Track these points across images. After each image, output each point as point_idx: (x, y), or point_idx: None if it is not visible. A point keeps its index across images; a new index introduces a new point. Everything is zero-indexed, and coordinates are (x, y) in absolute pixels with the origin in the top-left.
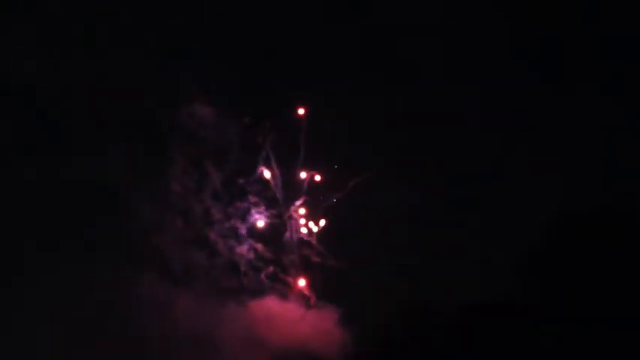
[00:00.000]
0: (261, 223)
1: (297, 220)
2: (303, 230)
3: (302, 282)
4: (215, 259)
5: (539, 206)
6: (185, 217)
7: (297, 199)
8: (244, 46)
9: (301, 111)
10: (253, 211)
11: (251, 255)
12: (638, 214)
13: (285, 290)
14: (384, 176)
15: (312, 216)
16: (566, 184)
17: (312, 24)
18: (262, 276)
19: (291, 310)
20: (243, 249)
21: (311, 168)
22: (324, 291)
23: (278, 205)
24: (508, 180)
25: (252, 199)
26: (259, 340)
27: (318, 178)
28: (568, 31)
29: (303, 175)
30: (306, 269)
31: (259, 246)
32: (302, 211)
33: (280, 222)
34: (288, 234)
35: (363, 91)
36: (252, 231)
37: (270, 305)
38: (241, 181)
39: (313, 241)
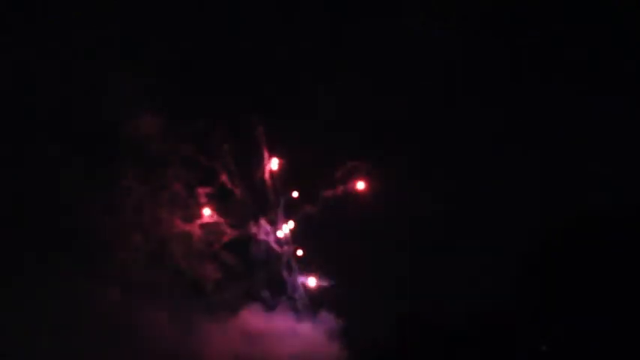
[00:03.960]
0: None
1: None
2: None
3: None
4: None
5: (537, 214)
6: (144, 231)
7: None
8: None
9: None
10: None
11: (218, 273)
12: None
13: (269, 302)
14: (380, 183)
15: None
16: (564, 191)
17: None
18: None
19: (277, 324)
20: (209, 266)
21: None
22: (318, 302)
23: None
24: (506, 187)
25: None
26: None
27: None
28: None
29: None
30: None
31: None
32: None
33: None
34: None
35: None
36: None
37: (254, 319)
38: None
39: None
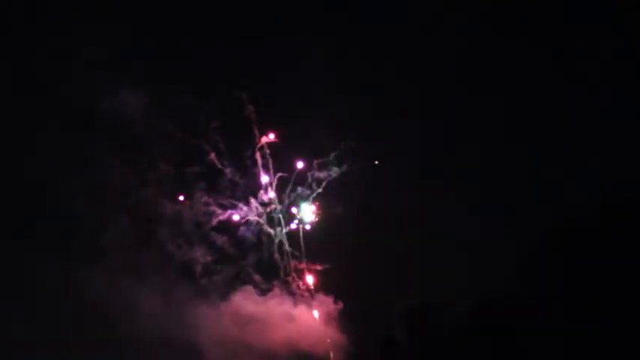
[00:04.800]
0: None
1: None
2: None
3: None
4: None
5: (541, 207)
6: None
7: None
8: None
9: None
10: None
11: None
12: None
13: (262, 286)
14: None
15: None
16: (569, 185)
17: None
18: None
19: (271, 308)
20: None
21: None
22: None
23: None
24: (509, 180)
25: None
26: (240, 343)
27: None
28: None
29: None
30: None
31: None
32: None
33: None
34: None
35: None
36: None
37: (247, 303)
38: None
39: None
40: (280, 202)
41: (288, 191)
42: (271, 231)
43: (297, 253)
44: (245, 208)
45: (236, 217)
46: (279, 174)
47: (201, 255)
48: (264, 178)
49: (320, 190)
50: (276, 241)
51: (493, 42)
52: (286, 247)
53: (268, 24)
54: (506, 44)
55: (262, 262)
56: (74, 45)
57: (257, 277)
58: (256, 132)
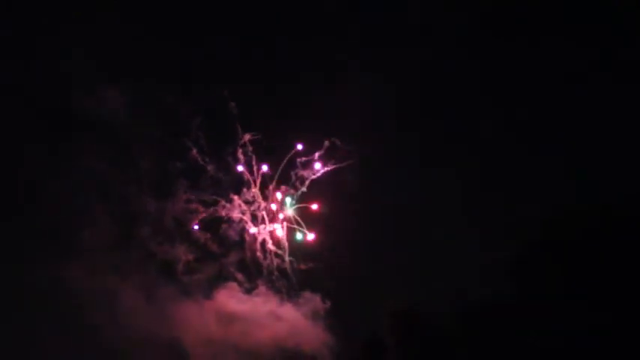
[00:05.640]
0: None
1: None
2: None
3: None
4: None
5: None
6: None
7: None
8: None
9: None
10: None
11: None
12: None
13: (247, 284)
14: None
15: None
16: (555, 187)
17: None
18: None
19: (257, 306)
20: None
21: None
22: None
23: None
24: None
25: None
26: (225, 341)
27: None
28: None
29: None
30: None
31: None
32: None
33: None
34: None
35: None
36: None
37: (231, 301)
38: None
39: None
40: (264, 199)
41: (271, 188)
42: (255, 229)
43: (280, 252)
44: (228, 206)
45: (219, 215)
46: (262, 171)
47: (182, 253)
48: (247, 175)
49: (304, 189)
50: (260, 239)
51: (490, 41)
52: (270, 245)
53: (253, 20)
54: (505, 43)
55: (245, 261)
56: (54, 43)
57: (240, 276)
58: (239, 129)
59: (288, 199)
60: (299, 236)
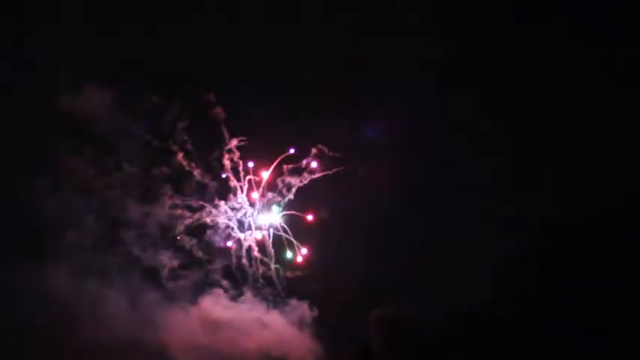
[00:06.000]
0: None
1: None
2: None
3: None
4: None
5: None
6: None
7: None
8: None
9: None
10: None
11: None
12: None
13: (233, 291)
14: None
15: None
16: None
17: None
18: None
19: (243, 313)
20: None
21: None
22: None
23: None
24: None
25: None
26: (211, 348)
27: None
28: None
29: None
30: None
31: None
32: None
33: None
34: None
35: None
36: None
37: (217, 308)
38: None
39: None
40: (251, 205)
41: (259, 195)
42: (240, 235)
43: (266, 259)
44: (214, 211)
45: (204, 220)
46: (248, 177)
47: (167, 258)
48: (234, 181)
49: (291, 197)
50: (245, 245)
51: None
52: (255, 252)
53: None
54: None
55: (230, 267)
56: (36, 42)
57: (225, 282)
58: (226, 133)
59: (274, 207)
60: (289, 254)
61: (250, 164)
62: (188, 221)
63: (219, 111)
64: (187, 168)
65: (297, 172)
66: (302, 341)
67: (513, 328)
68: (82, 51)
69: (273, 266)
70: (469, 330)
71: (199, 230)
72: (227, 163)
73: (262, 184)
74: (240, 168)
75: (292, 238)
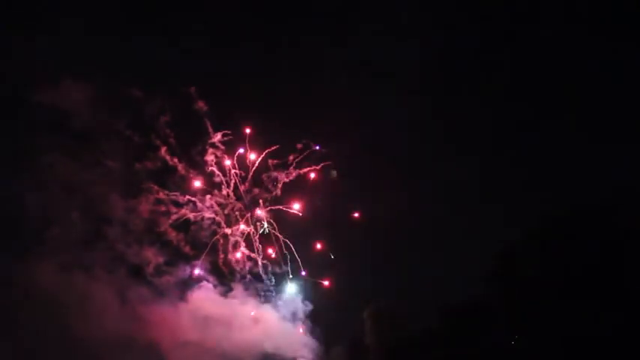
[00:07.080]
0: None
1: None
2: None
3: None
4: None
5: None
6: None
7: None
8: None
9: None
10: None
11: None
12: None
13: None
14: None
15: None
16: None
17: None
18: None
19: (234, 308)
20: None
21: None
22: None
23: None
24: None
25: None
26: (201, 344)
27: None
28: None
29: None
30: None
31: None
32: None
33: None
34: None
35: None
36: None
37: (207, 303)
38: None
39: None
40: (237, 199)
41: (244, 190)
42: (227, 230)
43: (254, 254)
44: (200, 206)
45: (190, 215)
46: (234, 171)
47: (153, 254)
48: (219, 176)
49: (278, 192)
50: (232, 240)
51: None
52: (242, 248)
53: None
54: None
55: (217, 262)
56: (18, 37)
57: (212, 278)
58: (209, 128)
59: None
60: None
61: (235, 158)
62: (174, 217)
63: (201, 104)
64: (171, 163)
65: (284, 167)
66: (295, 336)
67: (503, 322)
68: (61, 45)
69: (260, 262)
70: (460, 324)
71: (185, 225)
72: (211, 157)
73: (248, 179)
74: (225, 162)
75: (278, 234)
